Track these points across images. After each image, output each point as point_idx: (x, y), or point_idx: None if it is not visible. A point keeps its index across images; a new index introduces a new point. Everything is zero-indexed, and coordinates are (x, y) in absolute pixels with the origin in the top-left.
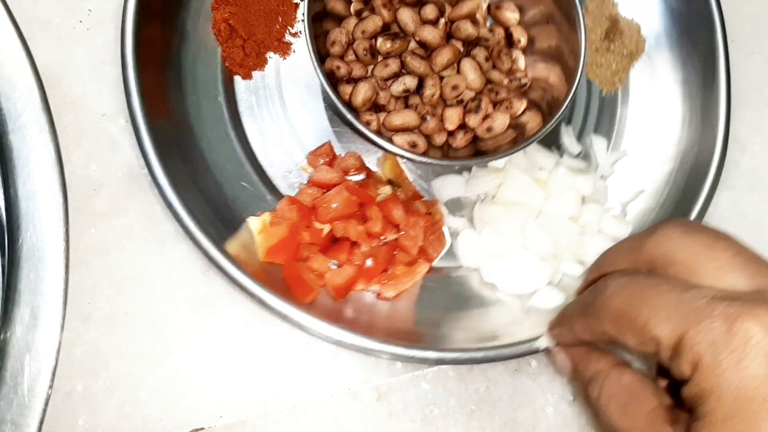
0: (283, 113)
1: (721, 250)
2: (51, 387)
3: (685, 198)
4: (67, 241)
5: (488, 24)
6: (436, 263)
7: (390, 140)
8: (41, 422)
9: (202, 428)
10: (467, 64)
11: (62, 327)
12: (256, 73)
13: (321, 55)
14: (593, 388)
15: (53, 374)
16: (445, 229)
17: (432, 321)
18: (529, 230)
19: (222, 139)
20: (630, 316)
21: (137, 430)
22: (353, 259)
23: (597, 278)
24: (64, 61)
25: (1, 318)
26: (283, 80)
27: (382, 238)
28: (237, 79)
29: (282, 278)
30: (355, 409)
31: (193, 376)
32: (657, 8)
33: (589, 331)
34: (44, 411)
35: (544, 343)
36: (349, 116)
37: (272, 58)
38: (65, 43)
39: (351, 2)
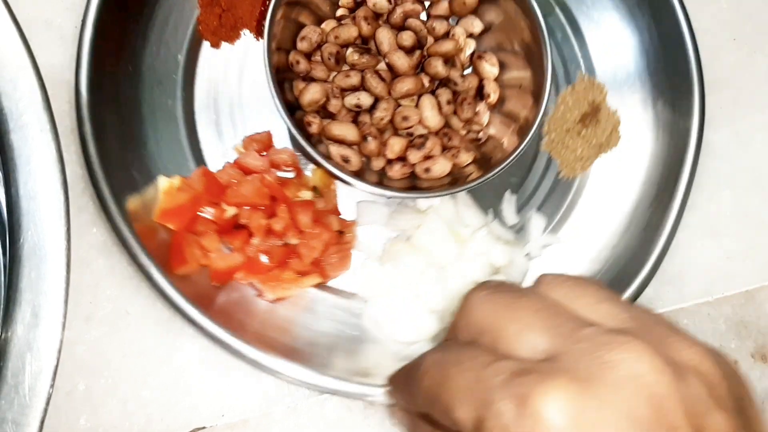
0: (238, 92)
1: (522, 309)
2: (52, 386)
3: None
4: (68, 240)
5: (468, 71)
6: (333, 283)
7: (324, 147)
8: (42, 421)
9: (203, 427)
10: (426, 101)
11: (63, 326)
12: (225, 45)
13: (282, 45)
14: None
15: (54, 373)
16: (355, 253)
17: (309, 340)
18: (426, 280)
19: (166, 94)
20: (437, 395)
21: (139, 428)
22: (246, 250)
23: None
24: (66, 62)
25: (2, 317)
26: (248, 60)
27: (283, 240)
28: (205, 45)
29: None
30: (357, 407)
31: (195, 375)
32: (642, 112)
33: (414, 405)
34: (45, 410)
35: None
36: (281, 110)
37: (246, 36)
38: (68, 43)
39: (338, 6)
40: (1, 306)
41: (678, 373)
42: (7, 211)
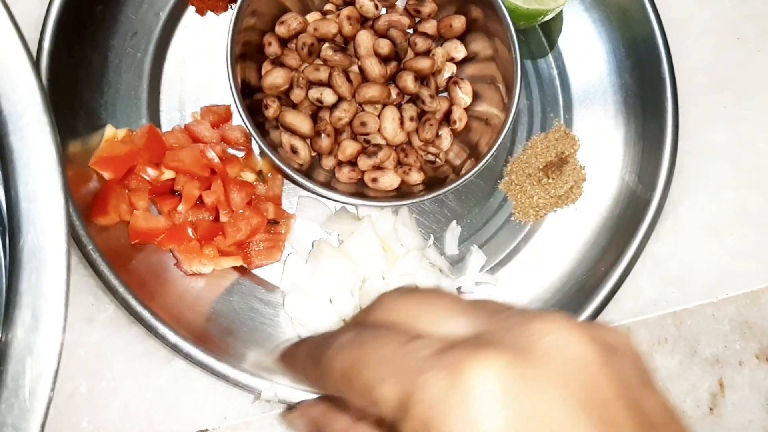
0: (210, 63)
1: (436, 301)
2: (53, 390)
3: None
4: (68, 242)
5: (445, 94)
6: (258, 272)
7: (278, 134)
8: (43, 425)
9: (206, 429)
10: (389, 112)
11: (64, 329)
12: (209, 15)
13: (260, 26)
14: None
15: (55, 377)
16: (288, 246)
17: (224, 326)
18: (345, 288)
19: (138, 47)
20: (352, 377)
21: (142, 430)
22: (173, 216)
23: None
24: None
25: (2, 320)
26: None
27: (213, 215)
28: (190, 10)
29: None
30: None
31: (197, 377)
32: (609, 176)
33: (321, 386)
34: (46, 414)
35: (269, 394)
36: (234, 92)
37: (233, 9)
38: None
39: (328, 1)
40: (2, 309)
41: (606, 350)
42: (7, 213)
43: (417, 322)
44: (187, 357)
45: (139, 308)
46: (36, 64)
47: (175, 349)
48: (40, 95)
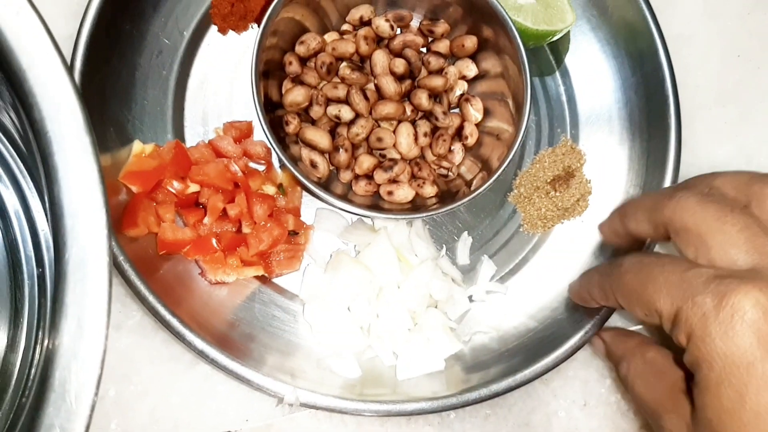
0: (232, 80)
1: (730, 223)
2: (96, 394)
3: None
4: (110, 255)
5: (456, 110)
6: (278, 281)
7: (297, 149)
8: (87, 427)
9: (229, 431)
10: (404, 128)
11: (107, 336)
12: (231, 34)
13: (282, 44)
14: (622, 366)
15: (98, 381)
16: (307, 256)
17: (247, 332)
18: (362, 297)
19: (163, 65)
20: (638, 290)
21: None
22: (198, 228)
23: (616, 225)
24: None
25: (49, 328)
26: (250, 53)
27: (236, 227)
28: (212, 29)
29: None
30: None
31: (220, 382)
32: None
33: (604, 299)
34: (90, 416)
35: (291, 398)
36: (258, 109)
37: (253, 29)
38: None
39: (345, 21)
40: (47, 318)
41: None
42: (51, 228)
43: (704, 243)
44: (213, 363)
45: (168, 316)
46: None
47: (202, 355)
48: (83, 117)
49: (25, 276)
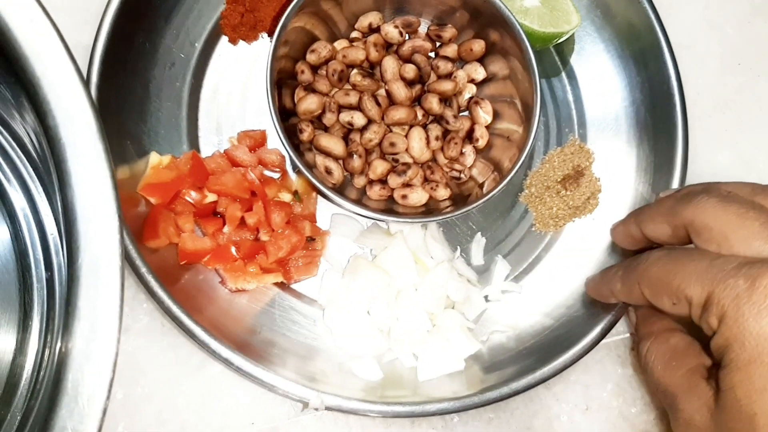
0: (244, 90)
1: (752, 219)
2: (108, 396)
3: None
4: (122, 260)
5: (465, 113)
6: (296, 287)
7: (312, 156)
8: (99, 429)
9: None
10: (416, 132)
11: (119, 340)
12: (241, 44)
13: (293, 53)
14: (644, 345)
15: (111, 384)
16: (324, 261)
17: (268, 338)
18: (380, 300)
19: (176, 76)
20: (666, 280)
21: None
22: (217, 237)
23: (631, 229)
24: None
25: (62, 331)
26: (261, 62)
27: (255, 235)
28: (223, 40)
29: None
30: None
31: (227, 385)
32: (624, 187)
33: (628, 294)
34: (102, 419)
35: (316, 402)
36: (274, 117)
37: (263, 39)
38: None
39: (354, 29)
40: (60, 321)
41: None
42: (65, 233)
43: (730, 236)
44: (238, 370)
45: (192, 325)
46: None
47: (227, 363)
48: (96, 124)
49: (35, 279)
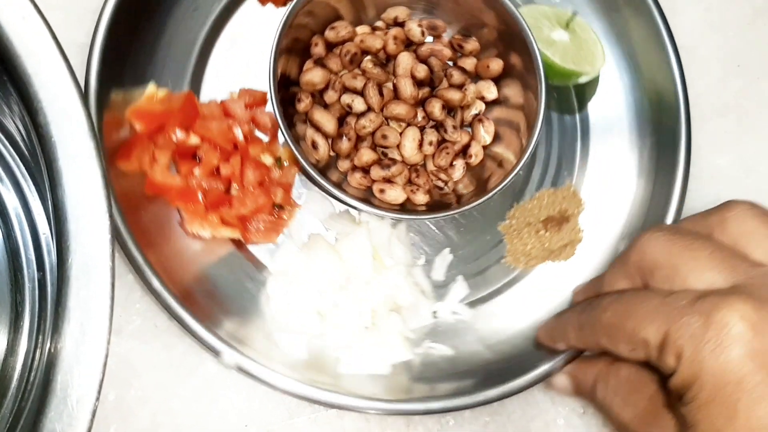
0: (260, 51)
1: (699, 249)
2: (98, 399)
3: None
4: (113, 260)
5: (466, 128)
6: (253, 249)
7: (303, 128)
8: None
9: None
10: (411, 133)
11: (109, 341)
12: (269, 6)
13: (312, 26)
14: (597, 390)
15: (100, 386)
16: (287, 232)
17: (208, 289)
18: (328, 284)
19: (197, 19)
20: (620, 326)
21: None
22: (189, 178)
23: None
24: None
25: (51, 332)
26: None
27: (225, 186)
28: None
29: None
30: (374, 418)
31: (221, 387)
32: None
33: (583, 342)
34: (91, 421)
35: (230, 361)
36: (271, 79)
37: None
38: None
39: (380, 18)
40: (49, 321)
41: None
42: (55, 233)
43: (677, 273)
44: (178, 319)
45: (139, 259)
46: (99, 15)
47: (170, 311)
48: (88, 125)
49: (26, 280)
